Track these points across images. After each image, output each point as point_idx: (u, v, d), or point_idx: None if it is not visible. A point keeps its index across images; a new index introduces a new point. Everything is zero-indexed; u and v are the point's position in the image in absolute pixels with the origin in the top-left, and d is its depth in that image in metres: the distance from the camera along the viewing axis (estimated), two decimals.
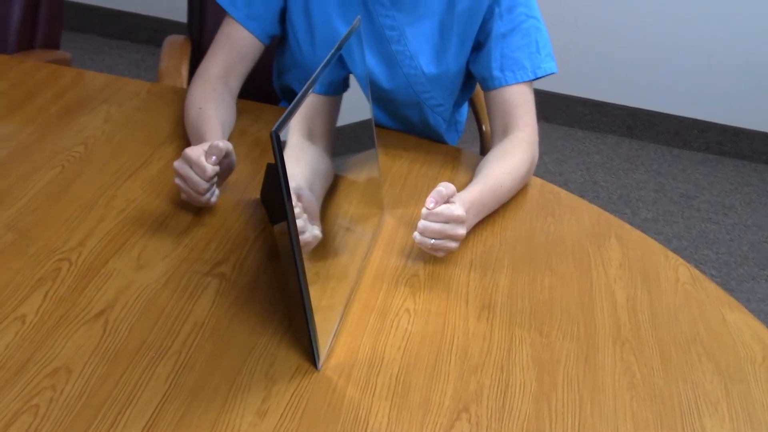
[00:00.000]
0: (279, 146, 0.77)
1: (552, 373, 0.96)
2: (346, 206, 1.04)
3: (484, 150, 1.63)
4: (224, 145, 1.07)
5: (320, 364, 0.91)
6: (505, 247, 1.18)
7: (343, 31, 1.32)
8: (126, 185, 1.18)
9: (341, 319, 0.99)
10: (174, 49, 1.71)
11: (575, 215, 1.28)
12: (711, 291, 1.15)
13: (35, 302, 0.95)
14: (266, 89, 1.58)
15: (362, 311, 1.01)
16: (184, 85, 1.62)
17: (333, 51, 0.96)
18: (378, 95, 1.40)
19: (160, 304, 0.97)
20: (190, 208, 1.15)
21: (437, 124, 1.46)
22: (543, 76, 1.33)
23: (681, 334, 1.05)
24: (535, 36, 1.32)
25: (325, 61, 0.92)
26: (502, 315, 1.04)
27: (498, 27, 1.30)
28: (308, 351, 0.92)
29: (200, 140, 1.18)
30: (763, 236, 2.81)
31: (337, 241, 1.00)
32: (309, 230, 0.90)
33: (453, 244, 1.08)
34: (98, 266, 1.02)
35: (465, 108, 1.60)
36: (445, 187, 1.06)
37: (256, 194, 1.21)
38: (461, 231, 1.07)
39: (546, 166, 3.03)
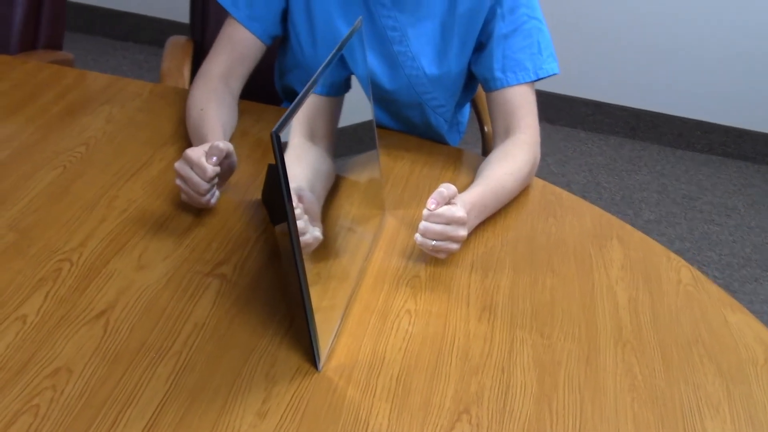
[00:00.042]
0: (279, 147, 0.76)
1: (553, 375, 0.95)
2: (348, 207, 1.04)
3: (486, 151, 1.63)
4: (225, 145, 1.07)
5: (321, 365, 0.91)
6: (507, 248, 1.17)
7: (345, 31, 1.32)
8: (127, 186, 1.19)
9: (342, 320, 0.99)
10: (176, 50, 1.71)
11: (577, 216, 1.27)
12: (713, 292, 1.14)
13: (36, 302, 0.95)
14: (268, 90, 1.58)
15: (363, 312, 1.01)
16: (186, 86, 1.62)
17: (334, 52, 0.95)
18: (379, 96, 1.40)
19: (160, 305, 0.97)
20: (191, 209, 1.15)
21: (439, 125, 1.46)
22: (545, 77, 1.32)
23: (683, 336, 1.05)
24: (537, 37, 1.32)
25: (326, 61, 0.92)
26: (503, 316, 1.04)
27: (500, 28, 1.30)
28: (309, 352, 0.92)
29: (201, 141, 1.18)
30: (766, 238, 2.80)
31: (338, 241, 1.00)
32: (310, 231, 0.90)
33: (454, 246, 1.08)
34: (99, 267, 1.02)
35: (467, 109, 1.60)
36: (446, 188, 1.06)
37: (258, 195, 1.21)
38: (462, 232, 1.07)
39: (549, 167, 3.02)
